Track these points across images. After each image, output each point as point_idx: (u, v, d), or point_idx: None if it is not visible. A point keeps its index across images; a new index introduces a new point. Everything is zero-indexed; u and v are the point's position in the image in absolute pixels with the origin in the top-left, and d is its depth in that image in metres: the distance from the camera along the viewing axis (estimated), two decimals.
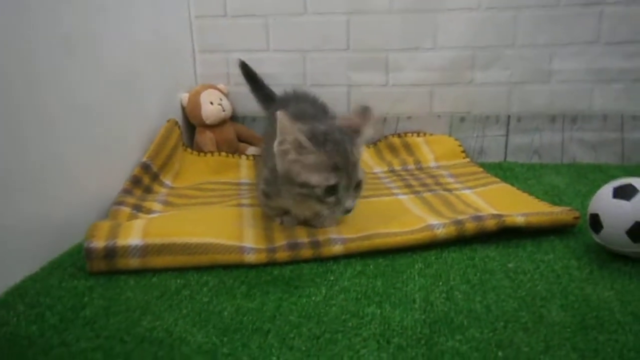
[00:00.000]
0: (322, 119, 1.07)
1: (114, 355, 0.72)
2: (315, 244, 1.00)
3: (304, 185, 0.95)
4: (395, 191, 1.35)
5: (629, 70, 1.59)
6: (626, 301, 0.82)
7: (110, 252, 0.94)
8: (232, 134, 1.72)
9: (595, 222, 0.95)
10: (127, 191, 1.26)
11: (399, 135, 1.69)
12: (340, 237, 1.02)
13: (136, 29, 1.43)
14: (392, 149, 1.66)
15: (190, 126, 1.72)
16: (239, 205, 1.24)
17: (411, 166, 1.57)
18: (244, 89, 1.66)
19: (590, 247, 1.01)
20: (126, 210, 1.17)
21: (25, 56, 1.00)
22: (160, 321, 0.80)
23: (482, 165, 1.57)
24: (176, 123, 1.57)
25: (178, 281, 0.93)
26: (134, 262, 0.95)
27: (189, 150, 1.61)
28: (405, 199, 1.28)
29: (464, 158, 1.61)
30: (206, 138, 1.66)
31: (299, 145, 0.93)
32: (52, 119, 1.06)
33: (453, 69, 1.66)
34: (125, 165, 1.34)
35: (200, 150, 1.63)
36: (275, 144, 0.95)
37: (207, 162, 1.59)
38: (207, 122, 1.65)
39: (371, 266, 0.97)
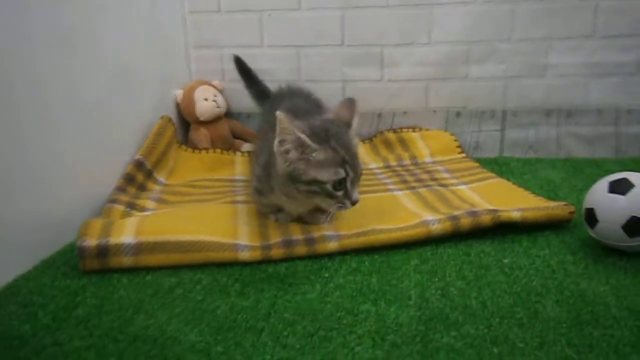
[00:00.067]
0: (316, 115, 1.06)
1: (106, 354, 0.71)
2: (310, 241, 0.99)
3: (313, 182, 0.95)
4: (390, 187, 1.34)
5: (624, 64, 1.58)
6: (621, 296, 0.82)
7: (103, 251, 0.93)
8: (227, 130, 1.71)
9: (591, 216, 0.95)
10: (120, 189, 1.25)
11: (395, 131, 1.68)
12: (335, 233, 1.01)
13: (130, 25, 1.41)
14: (388, 145, 1.65)
15: (185, 123, 1.71)
16: (234, 202, 1.24)
17: (407, 162, 1.56)
18: (238, 85, 1.65)
19: (586, 241, 1.01)
20: (120, 208, 1.16)
21: (24, 54, 0.99)
22: (153, 320, 0.79)
23: (477, 160, 1.56)
24: (170, 120, 1.56)
25: (171, 279, 0.92)
26: (126, 261, 0.94)
27: (183, 147, 1.60)
28: (401, 194, 1.28)
29: (459, 153, 1.60)
30: (201, 135, 1.65)
31: (302, 144, 0.93)
32: (46, 117, 1.05)
33: (448, 64, 1.66)
34: (118, 163, 1.33)
35: (194, 147, 1.62)
36: (275, 144, 0.95)
37: (201, 159, 1.58)
38: (202, 118, 1.64)
39: (366, 263, 0.96)
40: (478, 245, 1.01)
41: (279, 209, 1.10)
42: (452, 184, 1.34)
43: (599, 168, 1.47)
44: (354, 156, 0.97)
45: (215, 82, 1.72)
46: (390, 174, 1.47)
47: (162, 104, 1.61)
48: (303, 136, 0.92)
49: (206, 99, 1.64)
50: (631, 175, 0.93)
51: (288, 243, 0.99)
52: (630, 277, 0.88)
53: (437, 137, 1.65)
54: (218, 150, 1.61)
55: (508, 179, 1.36)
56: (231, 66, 1.65)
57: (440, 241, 1.03)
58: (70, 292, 0.88)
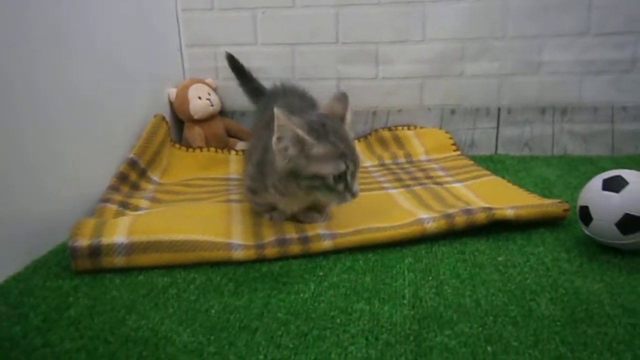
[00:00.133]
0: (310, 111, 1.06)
1: (97, 355, 0.71)
2: (304, 240, 0.99)
3: (314, 177, 0.95)
4: (385, 185, 1.34)
5: (618, 61, 1.59)
6: (616, 294, 0.82)
7: (95, 251, 0.93)
8: (221, 128, 1.70)
9: (585, 214, 0.95)
10: (113, 188, 1.25)
11: (390, 129, 1.68)
12: (329, 232, 1.01)
13: (122, 23, 1.40)
14: (383, 143, 1.65)
15: (179, 121, 1.70)
16: (228, 201, 1.23)
17: (402, 160, 1.56)
18: (232, 84, 1.64)
19: (580, 239, 1.01)
20: (112, 207, 1.15)
21: (20, 52, 0.99)
22: (145, 320, 0.78)
23: (472, 158, 1.56)
24: (163, 118, 1.55)
25: (165, 279, 0.91)
26: (119, 261, 0.93)
27: (177, 145, 1.59)
28: (396, 192, 1.28)
29: (454, 151, 1.60)
30: (195, 133, 1.65)
31: (300, 141, 0.92)
32: (39, 116, 1.04)
33: (443, 61, 1.65)
34: (112, 162, 1.32)
35: (188, 146, 1.62)
36: (273, 142, 0.94)
37: (195, 158, 1.57)
38: (196, 117, 1.64)
39: (360, 261, 0.96)
40: (472, 243, 1.01)
41: (273, 208, 1.09)
42: (447, 182, 1.34)
43: (594, 165, 1.47)
44: (352, 149, 0.97)
45: (209, 80, 1.72)
46: (385, 172, 1.47)
47: (156, 103, 1.60)
48: (301, 132, 0.92)
49: (200, 98, 1.64)
50: (625, 173, 0.93)
51: (282, 242, 0.99)
52: (624, 274, 0.88)
53: (432, 134, 1.65)
54: (212, 149, 1.61)
55: (503, 177, 1.36)
56: (225, 64, 1.64)
57: (435, 239, 1.02)
58: (62, 292, 0.87)
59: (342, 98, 1.04)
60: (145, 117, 1.50)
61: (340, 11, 1.65)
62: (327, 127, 0.96)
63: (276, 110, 0.91)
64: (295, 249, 0.98)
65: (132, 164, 1.35)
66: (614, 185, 0.92)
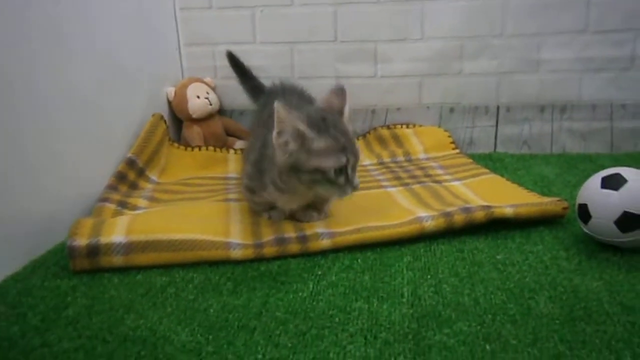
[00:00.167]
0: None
1: (96, 355, 0.71)
2: (303, 239, 0.99)
3: (316, 171, 0.94)
4: (384, 184, 1.34)
5: (617, 59, 1.58)
6: (615, 291, 0.82)
7: (94, 250, 0.93)
8: (220, 127, 1.70)
9: (584, 212, 0.95)
10: (112, 187, 1.24)
11: (388, 127, 1.67)
12: (328, 231, 1.01)
13: (120, 22, 1.40)
14: (381, 141, 1.65)
15: (178, 120, 1.70)
16: (226, 200, 1.23)
17: (400, 158, 1.56)
18: (231, 82, 1.64)
19: (579, 237, 1.01)
20: (111, 207, 1.15)
21: (19, 51, 0.99)
22: (144, 320, 0.78)
23: (471, 156, 1.56)
24: (162, 117, 1.55)
25: (163, 278, 0.91)
26: (117, 260, 0.93)
27: (175, 144, 1.59)
28: (394, 191, 1.27)
29: (453, 149, 1.60)
30: (193, 132, 1.64)
31: (301, 135, 0.92)
32: (37, 115, 1.04)
33: (442, 60, 1.65)
34: (110, 161, 1.32)
35: (187, 145, 1.61)
36: (273, 136, 0.94)
37: (194, 157, 1.57)
38: (194, 116, 1.63)
39: (359, 260, 0.96)
40: (471, 241, 1.01)
41: (271, 207, 1.09)
42: (446, 180, 1.33)
43: (593, 163, 1.47)
44: (352, 142, 0.97)
45: (208, 79, 1.72)
46: (383, 170, 1.46)
47: (154, 102, 1.60)
48: (302, 126, 0.92)
49: (198, 97, 1.64)
50: (624, 171, 0.93)
51: (280, 241, 0.98)
52: (623, 272, 0.87)
53: (431, 133, 1.65)
54: (211, 148, 1.60)
55: (502, 175, 1.36)
56: (224, 63, 1.64)
57: (434, 238, 1.02)
58: (60, 292, 0.87)
59: (340, 92, 1.04)
60: (143, 116, 1.50)
61: (338, 9, 1.65)
62: (327, 121, 0.96)
63: (276, 105, 0.90)
64: (294, 248, 0.98)
65: (131, 163, 1.34)
66: (613, 183, 0.92)
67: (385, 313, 0.78)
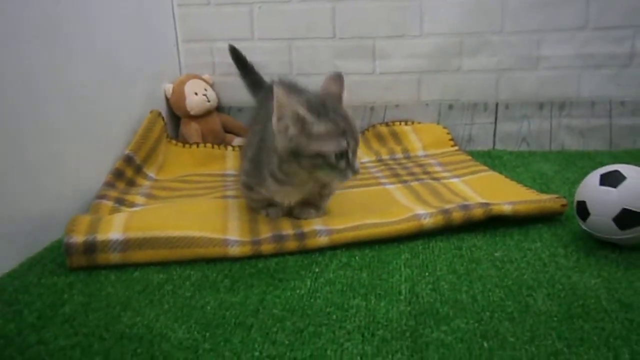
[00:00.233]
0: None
1: (92, 352, 0.70)
2: (301, 236, 0.99)
3: (317, 155, 0.93)
4: (382, 181, 1.34)
5: (617, 56, 1.58)
6: (613, 289, 0.81)
7: (90, 247, 0.92)
8: (218, 124, 1.70)
9: (582, 209, 0.94)
10: (109, 184, 1.24)
11: (387, 124, 1.67)
12: (325, 228, 1.00)
13: (118, 19, 1.39)
14: (380, 138, 1.64)
15: (176, 117, 1.70)
16: (224, 197, 1.22)
17: (399, 155, 1.56)
18: (229, 79, 1.63)
19: (578, 234, 1.00)
20: (108, 204, 1.15)
21: (15, 47, 0.98)
22: (140, 317, 0.78)
23: (470, 153, 1.56)
24: (159, 114, 1.54)
25: (160, 276, 0.91)
26: (114, 257, 0.93)
27: (173, 141, 1.58)
28: (393, 188, 1.27)
29: (452, 146, 1.60)
30: (191, 129, 1.64)
31: (301, 119, 0.92)
32: (33, 111, 1.03)
33: (441, 56, 1.65)
34: (107, 158, 1.32)
35: (185, 142, 1.61)
36: (273, 122, 0.93)
37: (192, 154, 1.56)
38: (192, 112, 1.63)
39: (357, 257, 0.95)
40: (470, 238, 1.01)
41: (269, 204, 1.08)
42: (445, 178, 1.33)
43: (592, 160, 1.47)
44: (352, 126, 0.97)
45: (206, 76, 1.71)
46: (382, 167, 1.46)
47: (152, 99, 1.59)
48: (302, 110, 0.91)
49: (196, 93, 1.63)
50: (623, 168, 0.92)
51: (278, 238, 0.98)
52: (621, 270, 0.87)
53: (430, 130, 1.64)
54: (209, 145, 1.60)
55: (500, 172, 1.36)
56: (222, 59, 1.64)
57: (432, 235, 1.02)
58: (56, 289, 0.86)
59: (337, 78, 1.04)
60: (141, 113, 1.49)
61: (336, 5, 1.64)
62: (327, 106, 0.95)
63: (275, 89, 0.90)
64: (292, 245, 0.97)
65: (128, 160, 1.34)
66: (612, 180, 0.91)
67: (383, 310, 0.78)
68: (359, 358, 0.68)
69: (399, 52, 1.66)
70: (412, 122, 1.66)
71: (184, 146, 1.58)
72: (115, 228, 0.96)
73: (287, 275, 0.90)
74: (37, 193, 1.04)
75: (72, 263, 0.92)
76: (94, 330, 0.75)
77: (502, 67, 1.63)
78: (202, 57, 1.74)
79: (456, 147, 1.59)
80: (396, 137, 1.63)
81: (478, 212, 1.02)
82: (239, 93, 1.61)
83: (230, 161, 1.54)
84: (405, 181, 1.32)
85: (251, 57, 1.64)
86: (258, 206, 1.10)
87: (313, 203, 1.08)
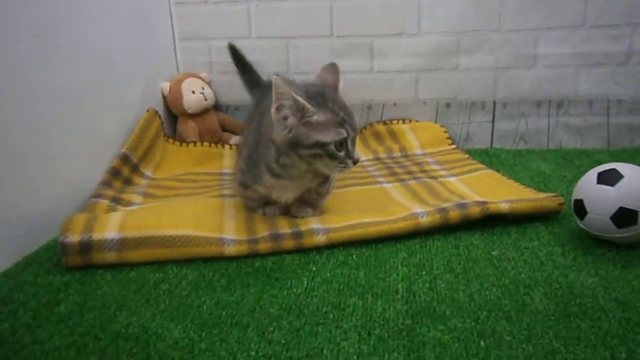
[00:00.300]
0: None
1: (87, 352, 0.70)
2: (298, 235, 0.98)
3: (316, 145, 0.93)
4: (380, 179, 1.33)
5: (614, 54, 1.58)
6: (610, 287, 0.81)
7: (86, 246, 0.92)
8: (215, 123, 1.69)
9: (580, 208, 0.94)
10: (105, 183, 1.23)
11: (384, 123, 1.67)
12: (323, 227, 1.00)
13: (115, 17, 1.39)
14: (378, 137, 1.64)
15: (173, 116, 1.69)
16: (221, 196, 1.22)
17: (397, 154, 1.55)
18: (226, 77, 1.63)
19: (575, 233, 1.00)
20: (104, 203, 1.14)
21: (6, 46, 0.98)
22: (136, 317, 0.78)
23: (468, 151, 1.56)
24: (156, 113, 1.53)
25: (157, 275, 0.90)
26: (110, 256, 0.92)
27: (170, 140, 1.58)
28: (390, 187, 1.27)
29: (449, 145, 1.60)
30: (188, 128, 1.63)
31: (301, 108, 0.91)
32: (29, 110, 1.03)
33: (438, 55, 1.64)
34: (104, 157, 1.31)
35: (182, 140, 1.60)
36: (272, 111, 0.93)
37: (189, 152, 1.56)
38: (189, 111, 1.62)
39: (354, 256, 0.95)
40: (467, 237, 1.01)
41: (265, 203, 1.08)
42: (442, 176, 1.33)
43: (589, 159, 1.47)
44: (351, 115, 0.97)
45: (203, 75, 1.70)
46: (379, 166, 1.46)
47: (149, 97, 1.59)
48: (301, 99, 0.91)
49: (194, 92, 1.62)
50: (620, 166, 0.92)
51: (275, 237, 0.98)
52: (619, 268, 0.87)
53: (427, 128, 1.64)
54: (206, 144, 1.59)
55: (498, 171, 1.36)
56: (219, 58, 1.63)
57: (429, 234, 1.02)
58: (52, 289, 0.86)
59: (333, 69, 1.04)
60: (138, 111, 1.49)
61: (334, 4, 1.64)
62: (325, 95, 0.95)
63: (275, 78, 0.89)
64: (289, 244, 0.97)
65: (125, 159, 1.33)
66: (609, 178, 0.91)
67: (380, 309, 0.78)
68: (355, 357, 0.68)
69: (396, 50, 1.65)
70: (410, 121, 1.66)
71: (181, 145, 1.57)
72: (111, 227, 0.96)
73: (284, 274, 0.90)
74: (33, 192, 1.03)
75: (67, 262, 0.92)
76: (89, 330, 0.75)
77: (500, 65, 1.63)
78: (199, 56, 1.74)
79: (454, 146, 1.59)
80: (394, 135, 1.63)
81: (475, 211, 1.02)
82: (236, 91, 1.60)
83: (227, 160, 1.53)
84: (402, 180, 1.31)
85: (249, 56, 1.63)
86: (254, 205, 1.10)
87: (310, 202, 1.08)
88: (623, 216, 0.88)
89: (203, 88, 1.65)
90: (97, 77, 1.29)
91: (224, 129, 1.72)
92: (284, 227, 1.01)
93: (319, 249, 0.98)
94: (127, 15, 1.45)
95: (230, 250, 0.95)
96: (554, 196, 1.08)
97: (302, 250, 0.97)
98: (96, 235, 0.93)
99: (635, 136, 1.59)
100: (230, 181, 1.33)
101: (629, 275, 0.85)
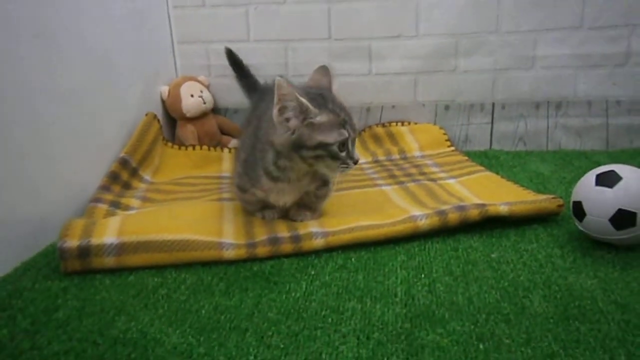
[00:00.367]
0: None
1: (86, 358, 0.70)
2: (296, 238, 0.98)
3: (319, 146, 0.93)
4: (379, 182, 1.33)
5: (612, 55, 1.58)
6: (609, 290, 0.81)
7: (85, 251, 0.92)
8: (214, 126, 1.69)
9: (579, 209, 0.94)
10: (104, 187, 1.23)
11: (383, 125, 1.67)
12: (321, 230, 1.00)
13: (113, 21, 1.39)
14: (376, 139, 1.64)
15: (172, 119, 1.69)
16: (220, 199, 1.22)
17: (395, 156, 1.55)
18: (225, 81, 1.63)
19: (574, 235, 1.00)
20: (103, 207, 1.14)
21: (5, 49, 0.98)
22: (135, 322, 0.77)
23: (467, 153, 1.56)
24: (155, 117, 1.53)
25: (155, 279, 0.90)
26: (109, 261, 0.92)
27: (169, 144, 1.58)
28: (389, 189, 1.27)
29: (448, 147, 1.60)
30: (187, 131, 1.63)
31: (304, 110, 0.92)
32: (27, 114, 1.03)
33: (437, 57, 1.64)
34: (103, 161, 1.31)
35: (181, 144, 1.60)
36: (274, 113, 0.93)
37: (188, 156, 1.56)
38: (188, 115, 1.62)
39: (353, 259, 0.95)
40: (466, 240, 1.01)
41: (263, 206, 1.08)
42: (441, 178, 1.33)
43: (588, 160, 1.47)
44: (350, 116, 0.98)
45: (202, 78, 1.70)
46: (378, 168, 1.46)
47: (148, 101, 1.59)
48: (305, 101, 0.91)
49: (192, 95, 1.62)
50: (619, 168, 0.92)
51: (274, 241, 0.98)
52: (618, 270, 0.87)
53: (426, 130, 1.64)
54: (205, 147, 1.60)
55: (497, 172, 1.35)
56: (217, 61, 1.63)
57: (428, 236, 1.02)
58: (50, 294, 0.86)
59: (324, 71, 1.05)
60: (137, 114, 1.49)
61: (332, 7, 1.64)
62: (325, 97, 0.96)
63: (277, 79, 0.90)
64: (287, 247, 0.97)
65: (124, 163, 1.33)
66: (608, 180, 0.91)
67: (379, 313, 0.78)
68: None
69: (395, 52, 1.65)
70: (409, 123, 1.66)
71: (179, 148, 1.57)
72: (109, 232, 0.96)
73: (283, 278, 0.89)
74: (32, 197, 1.03)
75: (66, 267, 0.92)
76: (87, 335, 0.75)
77: (499, 67, 1.63)
78: (197, 59, 1.74)
79: (453, 148, 1.59)
80: (393, 137, 1.63)
81: (474, 213, 1.02)
82: (235, 95, 1.60)
83: (226, 163, 1.53)
84: (401, 182, 1.31)
85: (247, 59, 1.63)
86: (252, 208, 1.10)
87: (308, 205, 1.07)
88: (622, 218, 0.88)
89: (202, 91, 1.65)
90: (96, 81, 1.29)
91: (223, 132, 1.72)
92: (283, 230, 1.01)
93: (317, 252, 0.97)
94: (125, 19, 1.45)
95: (229, 254, 0.95)
96: (553, 198, 1.08)
97: (300, 254, 0.97)
98: (95, 240, 0.93)
99: (634, 137, 1.59)
100: (230, 184, 1.33)
101: (628, 277, 0.84)
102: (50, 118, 1.10)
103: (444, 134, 1.63)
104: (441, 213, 1.02)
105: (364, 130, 1.67)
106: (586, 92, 1.62)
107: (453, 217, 1.02)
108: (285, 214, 1.09)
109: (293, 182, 1.01)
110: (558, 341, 0.69)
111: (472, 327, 0.73)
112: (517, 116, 1.65)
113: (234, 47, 1.62)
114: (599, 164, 0.98)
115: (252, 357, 0.69)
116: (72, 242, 0.92)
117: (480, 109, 1.67)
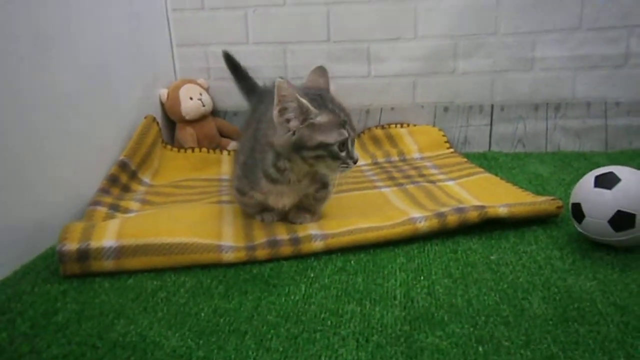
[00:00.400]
0: None
1: None
2: (295, 241, 0.98)
3: (320, 146, 0.94)
4: (378, 184, 1.33)
5: (612, 56, 1.58)
6: (608, 291, 0.81)
7: (84, 255, 0.92)
8: (214, 129, 1.69)
9: (578, 211, 0.94)
10: (104, 190, 1.23)
11: (382, 127, 1.67)
12: (320, 232, 1.00)
13: (111, 24, 1.39)
14: (376, 141, 1.64)
15: (171, 122, 1.69)
16: (219, 202, 1.22)
17: (395, 158, 1.55)
18: (224, 83, 1.63)
19: (573, 236, 1.00)
20: (102, 210, 1.14)
21: (5, 52, 0.98)
22: (134, 325, 0.77)
23: (466, 155, 1.56)
24: (154, 119, 1.54)
25: (154, 282, 0.90)
26: (108, 264, 0.92)
27: (168, 146, 1.58)
28: (388, 191, 1.27)
29: (448, 148, 1.60)
30: (187, 134, 1.63)
31: (305, 111, 0.92)
32: (26, 117, 1.03)
33: (435, 59, 1.64)
34: (102, 164, 1.31)
35: (180, 147, 1.61)
36: (275, 115, 0.93)
37: (187, 159, 1.56)
38: (187, 117, 1.62)
39: (352, 262, 0.95)
40: (465, 242, 1.01)
41: (262, 209, 1.08)
42: (440, 180, 1.33)
43: (587, 161, 1.47)
44: (349, 116, 0.98)
45: (201, 81, 1.71)
46: (378, 170, 1.46)
47: (147, 104, 1.59)
48: (305, 102, 0.91)
49: (191, 98, 1.63)
50: (617, 169, 0.92)
51: (273, 243, 0.98)
52: (617, 272, 0.87)
53: (425, 132, 1.64)
54: (204, 150, 1.60)
55: (496, 174, 1.36)
56: (216, 64, 1.63)
57: (428, 238, 1.02)
58: (50, 298, 0.86)
59: (322, 72, 1.05)
60: (136, 117, 1.49)
61: (331, 9, 1.64)
62: (324, 97, 0.96)
63: (278, 80, 0.90)
64: (286, 250, 0.97)
65: (123, 165, 1.33)
66: (607, 182, 0.91)
67: (378, 316, 0.78)
68: None
69: (393, 55, 1.65)
70: (408, 125, 1.66)
71: (179, 151, 1.58)
72: (108, 235, 0.96)
73: (282, 280, 0.89)
74: (31, 200, 1.03)
75: (65, 271, 0.92)
76: (87, 339, 0.74)
77: (497, 68, 1.63)
78: (196, 62, 1.74)
79: (452, 149, 1.59)
80: (392, 139, 1.63)
81: (473, 215, 1.02)
82: (234, 97, 1.60)
83: (226, 166, 1.53)
84: (400, 184, 1.31)
85: (246, 62, 1.63)
86: (251, 211, 1.10)
87: (308, 208, 1.08)
88: (621, 219, 0.88)
89: (201, 94, 1.65)
90: (94, 84, 1.29)
91: (222, 134, 1.72)
92: (282, 233, 1.01)
93: (316, 255, 0.97)
94: (124, 23, 1.46)
95: (228, 257, 0.95)
96: (552, 199, 1.08)
97: (300, 257, 0.97)
98: (94, 244, 0.93)
99: (634, 138, 1.59)
100: (229, 187, 1.32)
101: (627, 279, 0.84)
102: (49, 121, 1.10)
103: (443, 135, 1.63)
104: (440, 215, 1.02)
105: (363, 132, 1.67)
106: (585, 93, 1.62)
107: (452, 219, 1.02)
108: (285, 217, 1.09)
109: (292, 184, 1.01)
110: (557, 343, 0.69)
111: (472, 329, 0.73)
112: (516, 118, 1.65)
113: (233, 50, 1.63)
114: (598, 166, 0.98)
115: None
116: (71, 246, 0.92)
117: (479, 111, 1.67)
